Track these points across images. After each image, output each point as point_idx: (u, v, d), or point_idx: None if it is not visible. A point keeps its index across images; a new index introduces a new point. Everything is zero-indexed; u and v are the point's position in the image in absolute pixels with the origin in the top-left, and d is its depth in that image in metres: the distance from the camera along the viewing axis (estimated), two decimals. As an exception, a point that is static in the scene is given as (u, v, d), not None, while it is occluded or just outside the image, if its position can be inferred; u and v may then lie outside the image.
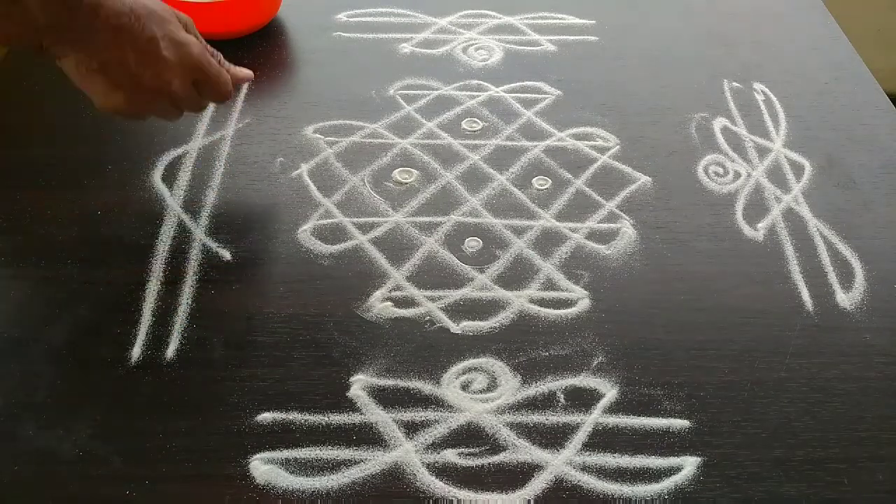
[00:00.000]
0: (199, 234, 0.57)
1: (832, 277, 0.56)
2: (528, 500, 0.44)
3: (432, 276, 0.55)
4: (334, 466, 0.45)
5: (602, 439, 0.47)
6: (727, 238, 0.58)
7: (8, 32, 0.47)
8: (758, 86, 0.72)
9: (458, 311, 0.53)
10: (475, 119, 0.67)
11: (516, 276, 0.55)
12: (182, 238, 0.57)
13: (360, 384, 0.49)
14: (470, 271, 0.55)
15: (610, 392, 0.49)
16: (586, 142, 0.66)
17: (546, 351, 0.51)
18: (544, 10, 0.80)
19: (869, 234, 0.59)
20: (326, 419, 0.47)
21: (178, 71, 0.52)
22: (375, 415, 0.47)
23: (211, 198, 0.60)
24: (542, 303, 0.54)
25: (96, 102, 0.51)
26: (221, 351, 0.50)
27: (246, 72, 0.59)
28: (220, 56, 0.57)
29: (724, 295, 0.55)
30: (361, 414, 0.47)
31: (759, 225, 0.60)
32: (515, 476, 0.45)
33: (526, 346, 0.51)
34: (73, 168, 0.62)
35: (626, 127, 0.67)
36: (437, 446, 0.46)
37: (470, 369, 0.50)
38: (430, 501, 0.44)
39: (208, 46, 0.56)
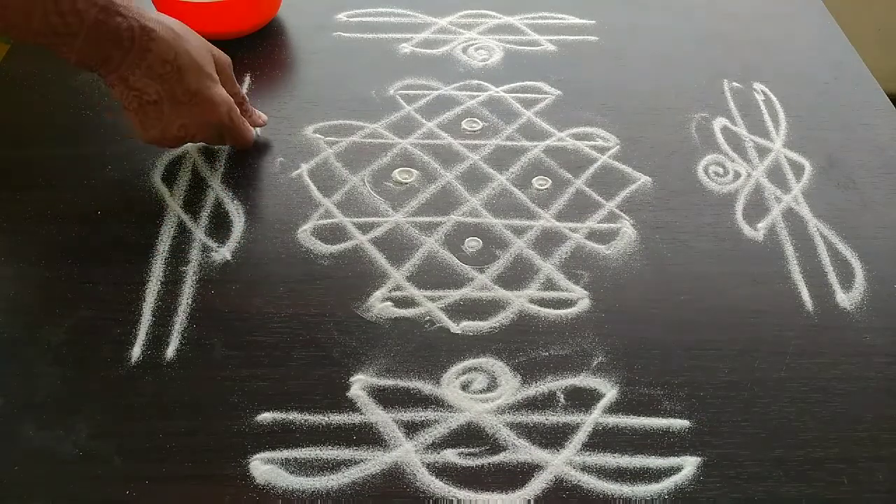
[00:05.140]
0: (199, 234, 0.57)
1: (832, 277, 0.56)
2: (528, 500, 0.44)
3: (432, 276, 0.55)
4: (334, 466, 0.45)
5: (602, 439, 0.47)
6: (727, 238, 0.58)
7: (67, 58, 0.51)
8: (758, 86, 0.72)
9: (458, 311, 0.53)
10: (475, 119, 0.67)
11: (516, 276, 0.55)
12: (182, 238, 0.57)
13: (360, 384, 0.49)
14: (470, 271, 0.55)
15: (610, 392, 0.49)
16: (586, 142, 0.66)
17: (546, 351, 0.51)
18: (544, 10, 0.80)
19: (869, 234, 0.59)
20: (326, 419, 0.47)
21: (202, 125, 0.57)
22: (375, 415, 0.47)
23: (211, 198, 0.60)
24: (542, 303, 0.54)
25: (135, 134, 0.57)
26: (221, 351, 0.50)
27: (262, 117, 0.64)
28: (246, 101, 0.63)
29: (724, 295, 0.55)
30: (361, 414, 0.47)
31: (759, 225, 0.60)
32: (515, 476, 0.45)
33: (526, 346, 0.51)
34: (73, 168, 0.62)
35: (626, 127, 0.67)
36: (437, 446, 0.46)
37: (470, 369, 0.50)
38: (430, 501, 0.44)
39: (240, 92, 0.62)
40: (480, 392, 0.49)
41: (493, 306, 0.53)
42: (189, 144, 0.63)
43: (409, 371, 0.50)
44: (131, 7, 0.52)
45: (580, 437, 0.47)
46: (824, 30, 0.79)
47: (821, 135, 0.67)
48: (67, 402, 0.47)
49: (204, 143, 0.63)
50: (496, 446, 0.46)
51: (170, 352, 0.50)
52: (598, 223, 0.59)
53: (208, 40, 0.56)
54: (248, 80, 0.70)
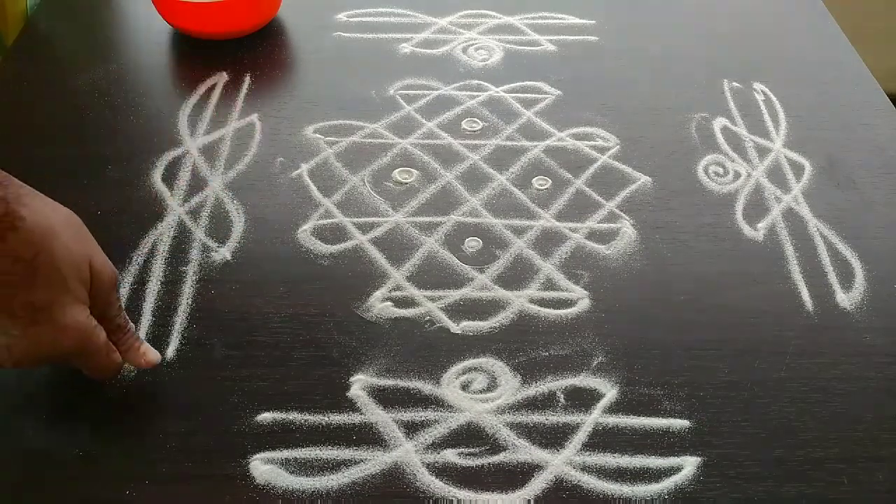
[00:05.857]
0: (199, 234, 0.57)
1: (832, 277, 0.56)
2: (528, 500, 0.44)
3: (432, 276, 0.55)
4: (334, 466, 0.45)
5: (602, 439, 0.47)
6: (727, 238, 0.58)
7: None
8: (758, 86, 0.72)
9: (458, 311, 0.53)
10: (475, 119, 0.67)
11: (516, 276, 0.55)
12: (182, 238, 0.57)
13: (359, 384, 0.49)
14: (470, 271, 0.55)
15: (610, 392, 0.49)
16: (586, 142, 0.66)
17: (546, 351, 0.51)
18: (544, 10, 0.80)
19: (869, 234, 0.59)
20: (326, 419, 0.47)
21: (34, 354, 0.42)
22: (375, 415, 0.47)
23: (211, 198, 0.60)
24: (542, 303, 0.54)
25: None
26: (221, 351, 0.50)
27: (151, 357, 0.47)
28: (127, 329, 0.47)
29: (724, 295, 0.55)
30: (361, 414, 0.47)
31: (759, 225, 0.60)
32: (515, 476, 0.45)
33: (526, 346, 0.51)
34: (73, 168, 0.62)
35: (626, 127, 0.67)
36: (437, 446, 0.46)
37: (470, 369, 0.50)
38: (430, 501, 0.44)
39: (119, 317, 0.46)
40: (480, 392, 0.49)
41: (493, 306, 0.53)
42: (189, 143, 0.63)
43: (409, 371, 0.50)
44: (10, 184, 0.41)
45: (580, 437, 0.47)
46: (824, 30, 0.79)
47: (821, 135, 0.67)
48: (67, 402, 0.47)
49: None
50: (496, 446, 0.46)
51: (170, 352, 0.50)
52: (598, 223, 0.59)
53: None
54: (248, 79, 0.70)
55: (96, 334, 0.44)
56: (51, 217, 0.42)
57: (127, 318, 0.47)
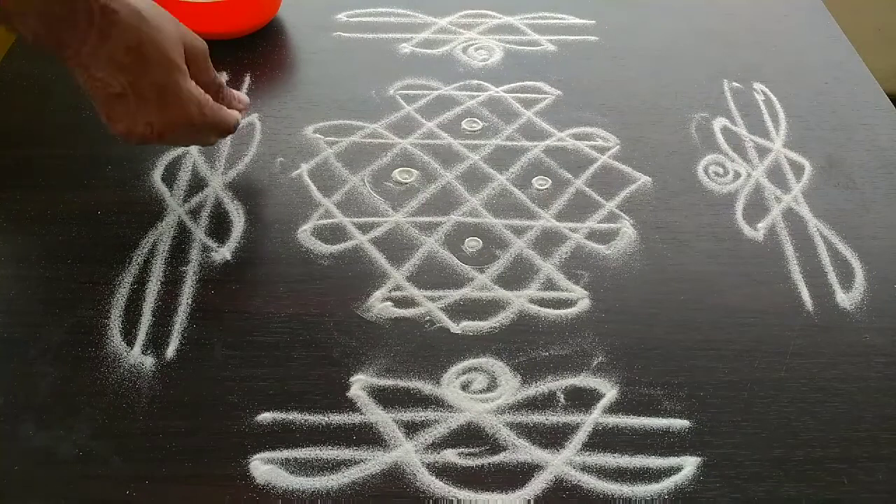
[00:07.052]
0: (199, 234, 0.57)
1: (832, 277, 0.56)
2: (528, 500, 0.44)
3: (432, 276, 0.55)
4: (334, 466, 0.45)
5: (602, 439, 0.47)
6: (727, 238, 0.58)
7: (24, 36, 0.46)
8: (758, 86, 0.72)
9: (458, 311, 0.53)
10: (475, 119, 0.67)
11: (516, 276, 0.55)
12: (182, 238, 0.57)
13: (359, 384, 0.49)
14: (470, 271, 0.55)
15: (610, 392, 0.49)
16: (586, 142, 0.66)
17: (546, 351, 0.51)
18: (544, 10, 0.80)
19: (869, 234, 0.59)
20: (326, 419, 0.47)
21: (170, 125, 0.51)
22: (375, 415, 0.47)
23: (211, 198, 0.60)
24: (542, 303, 0.54)
25: (103, 122, 0.50)
26: (221, 351, 0.50)
27: (243, 101, 0.59)
28: (223, 87, 0.57)
29: (724, 295, 0.55)
30: (361, 414, 0.47)
31: (759, 225, 0.60)
32: (515, 476, 0.45)
33: (526, 346, 0.51)
34: (73, 168, 0.62)
35: (626, 127, 0.67)
36: (437, 446, 0.46)
37: (470, 369, 0.50)
38: (430, 501, 0.44)
39: (216, 79, 0.55)
40: (480, 392, 0.49)
41: (493, 306, 0.53)
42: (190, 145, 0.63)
43: (409, 371, 0.50)
44: None
45: (580, 437, 0.47)
46: (824, 30, 0.79)
47: (821, 135, 0.67)
48: (67, 402, 0.47)
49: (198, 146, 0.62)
50: (496, 446, 0.46)
51: (170, 352, 0.50)
52: (598, 223, 0.59)
53: (208, 40, 0.55)
54: (248, 80, 0.70)
55: (207, 97, 0.53)
56: (138, 6, 0.48)
57: (217, 75, 0.56)
